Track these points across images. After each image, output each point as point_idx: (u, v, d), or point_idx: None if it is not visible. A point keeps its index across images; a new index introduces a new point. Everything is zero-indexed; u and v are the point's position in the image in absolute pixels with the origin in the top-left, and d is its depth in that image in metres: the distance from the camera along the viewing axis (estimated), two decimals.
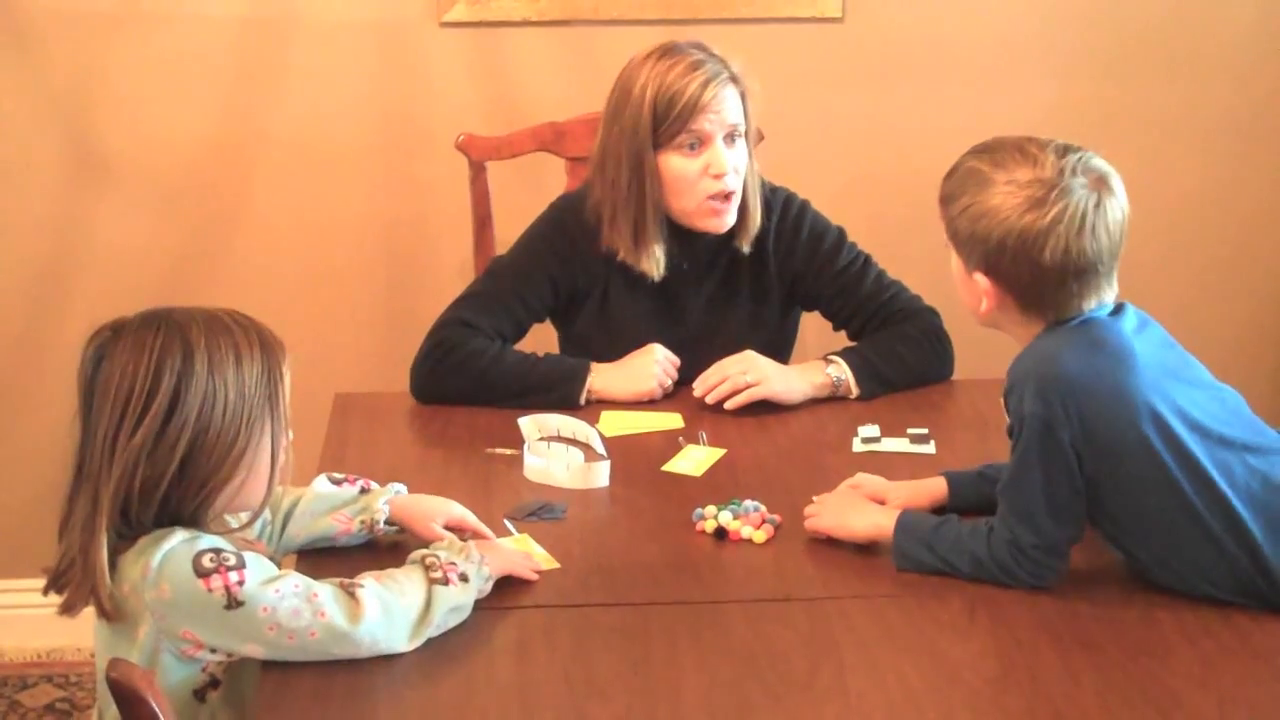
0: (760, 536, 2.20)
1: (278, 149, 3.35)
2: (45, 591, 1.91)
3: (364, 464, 2.38)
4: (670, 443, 2.54)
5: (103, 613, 1.87)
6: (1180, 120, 3.47)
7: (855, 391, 2.69)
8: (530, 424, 2.53)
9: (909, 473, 2.33)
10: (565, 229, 2.76)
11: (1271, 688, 1.86)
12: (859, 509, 2.20)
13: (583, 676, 1.86)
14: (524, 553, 2.15)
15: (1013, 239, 1.99)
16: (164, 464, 1.85)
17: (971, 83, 3.41)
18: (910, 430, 2.55)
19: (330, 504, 2.16)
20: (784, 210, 2.79)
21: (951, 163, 2.12)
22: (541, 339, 2.83)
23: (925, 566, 2.09)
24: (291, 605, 1.84)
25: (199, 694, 1.91)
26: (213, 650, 1.87)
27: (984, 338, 2.18)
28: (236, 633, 1.84)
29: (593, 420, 2.57)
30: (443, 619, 1.93)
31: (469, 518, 2.17)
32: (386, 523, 2.15)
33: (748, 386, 2.63)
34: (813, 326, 2.96)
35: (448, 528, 2.13)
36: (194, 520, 1.90)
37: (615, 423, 2.60)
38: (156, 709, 1.62)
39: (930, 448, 2.50)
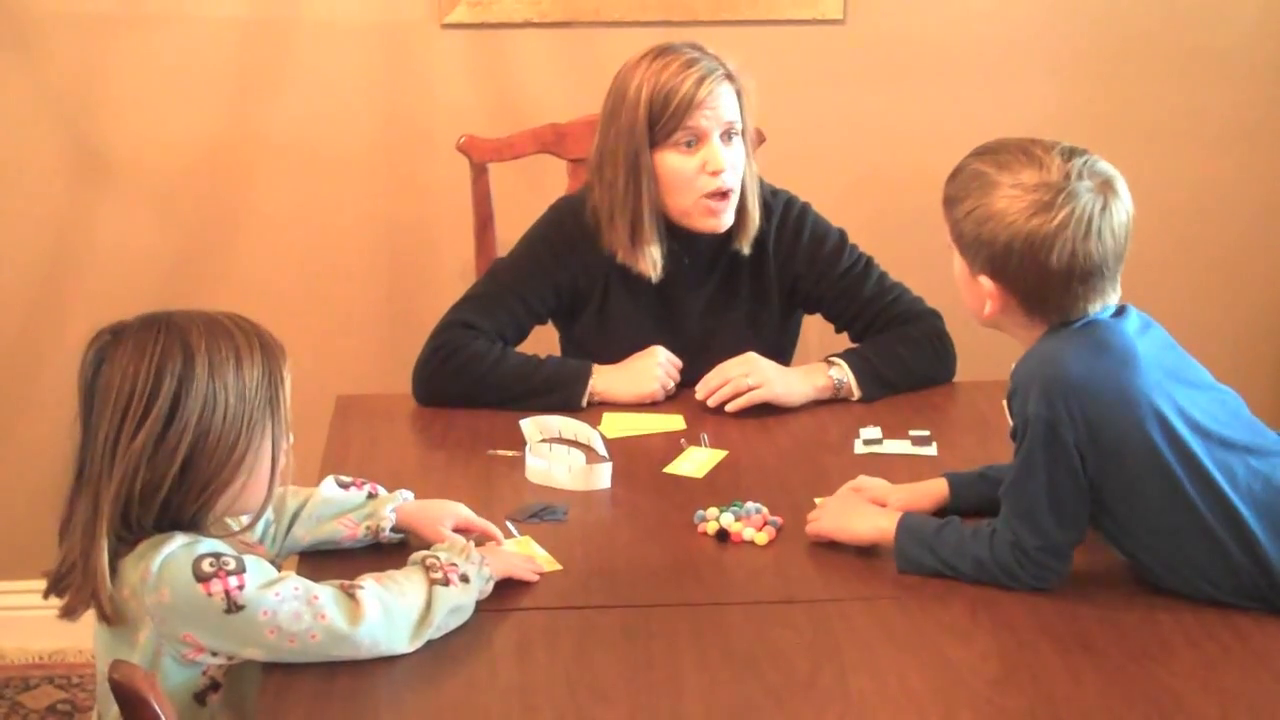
0: (762, 538, 2.20)
1: (279, 151, 3.35)
2: (46, 595, 1.91)
3: (366, 466, 2.38)
4: (672, 444, 2.54)
5: (103, 616, 1.87)
6: (1181, 121, 3.47)
7: (857, 393, 2.69)
8: (532, 426, 2.53)
9: (911, 474, 2.33)
10: (566, 231, 2.76)
11: (1273, 689, 1.85)
12: (860, 512, 2.20)
13: (584, 678, 1.86)
14: (525, 555, 2.15)
15: (1019, 243, 1.99)
16: (164, 468, 1.84)
17: (973, 85, 3.41)
18: (912, 432, 2.55)
19: (337, 509, 2.16)
20: (785, 213, 2.79)
21: (953, 164, 2.11)
22: (543, 341, 2.83)
23: (927, 569, 2.09)
24: (292, 608, 1.84)
25: (199, 697, 1.91)
26: (213, 654, 1.87)
27: (986, 340, 2.18)
28: (237, 636, 1.84)
29: (594, 422, 2.57)
30: (443, 620, 1.93)
31: (476, 520, 2.17)
32: (392, 530, 2.15)
33: (749, 389, 2.63)
34: (814, 328, 2.97)
35: (456, 530, 2.13)
36: (194, 523, 1.90)
37: (617, 424, 2.60)
38: (159, 710, 1.62)
39: (932, 449, 2.50)
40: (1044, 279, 2.00)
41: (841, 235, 2.81)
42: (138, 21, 3.26)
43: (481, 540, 2.14)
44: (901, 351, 2.73)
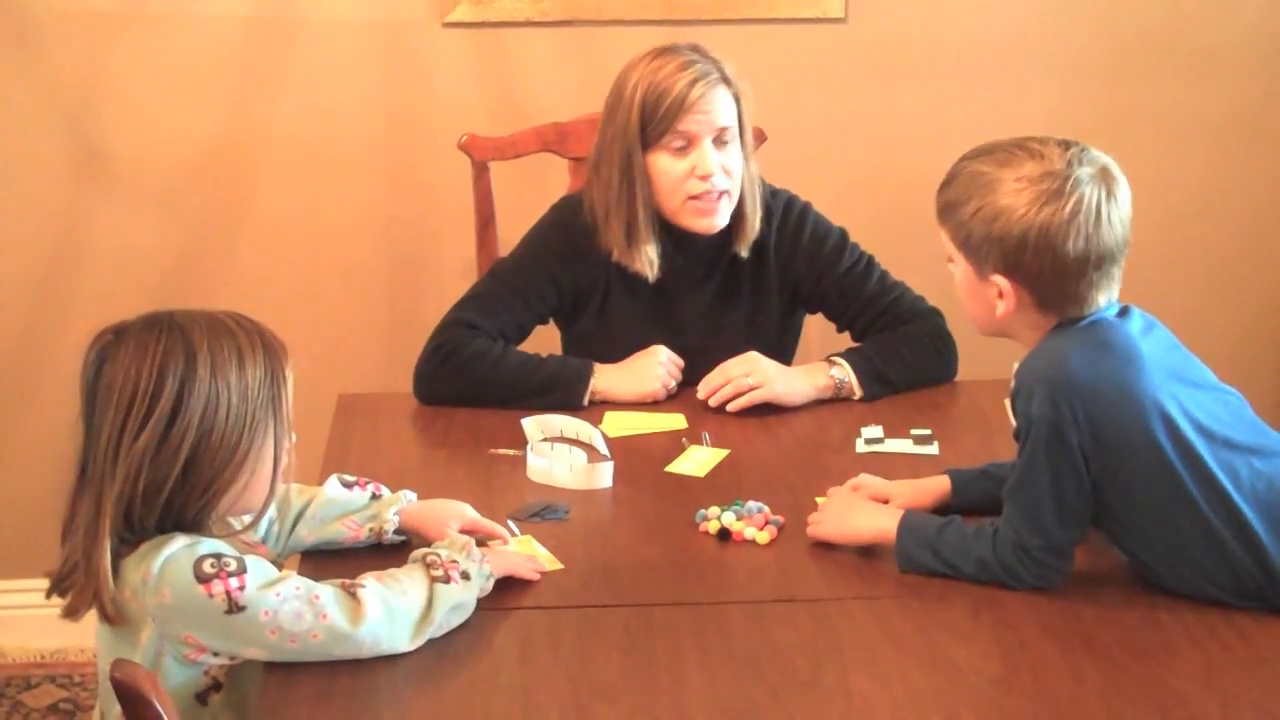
0: (763, 537, 2.20)
1: (281, 149, 3.35)
2: (48, 595, 1.91)
3: (367, 465, 2.38)
4: (673, 443, 2.54)
5: (105, 617, 1.87)
6: (1182, 120, 3.47)
7: (858, 393, 2.69)
8: (533, 425, 2.53)
9: (912, 473, 2.33)
10: (567, 230, 2.76)
11: (1275, 689, 1.85)
12: (860, 511, 2.20)
13: (586, 677, 1.86)
14: (527, 554, 2.15)
15: (1034, 233, 1.98)
16: (167, 468, 1.84)
17: (974, 83, 3.41)
18: (914, 431, 2.55)
19: (341, 509, 2.16)
20: (785, 212, 2.79)
21: (953, 163, 2.11)
22: (545, 340, 2.83)
23: (928, 568, 2.08)
24: (293, 608, 1.84)
25: (201, 697, 1.91)
26: (215, 654, 1.87)
27: (988, 339, 2.17)
28: (238, 637, 1.84)
29: (596, 421, 2.57)
30: (445, 617, 1.93)
31: (482, 521, 2.17)
32: (396, 532, 2.15)
33: (750, 389, 2.63)
34: (816, 327, 2.97)
35: (462, 532, 2.12)
36: (197, 523, 1.90)
37: (618, 423, 2.60)
38: (161, 709, 1.62)
39: (934, 448, 2.50)
40: (1060, 268, 1.99)
41: (842, 234, 2.81)
42: (139, 21, 3.26)
43: (485, 540, 2.14)
44: (903, 351, 2.73)
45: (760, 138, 2.86)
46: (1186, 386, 2.01)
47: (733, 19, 3.32)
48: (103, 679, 1.88)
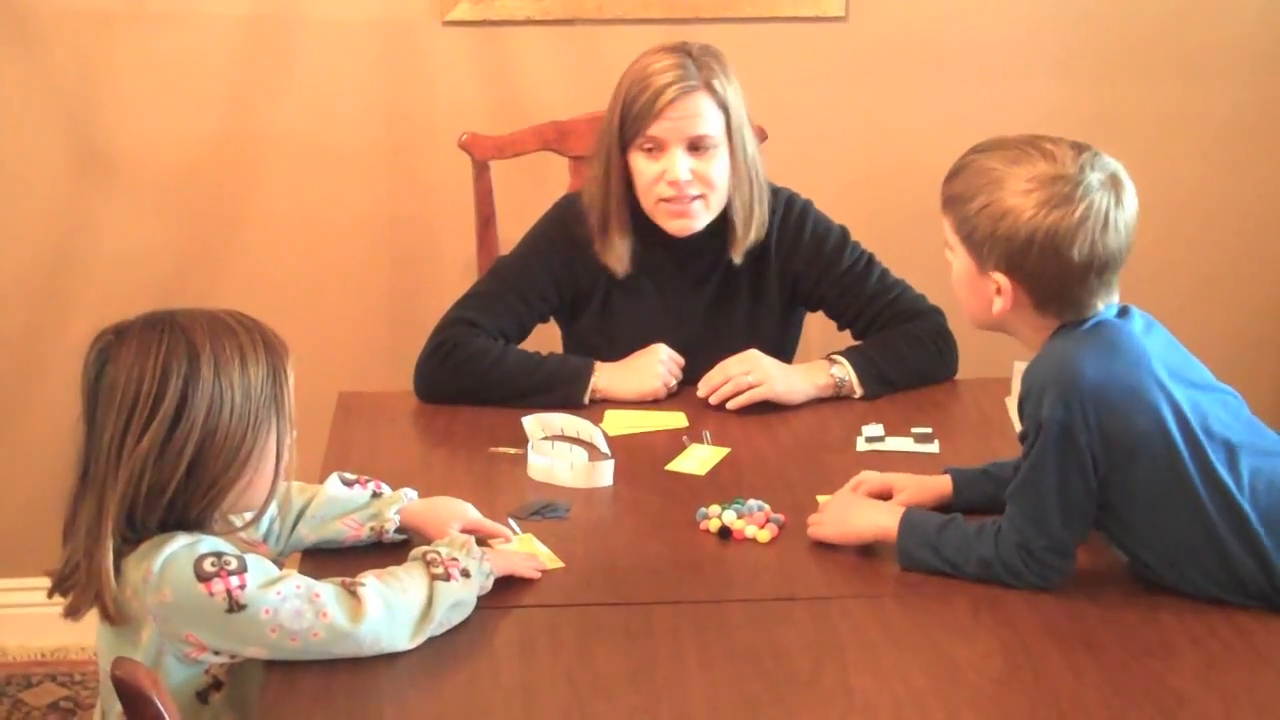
0: (764, 536, 2.20)
1: (281, 148, 3.35)
2: (50, 595, 1.91)
3: (368, 463, 2.38)
4: (674, 442, 2.54)
5: (107, 617, 1.86)
6: (1183, 120, 3.47)
7: (859, 391, 2.69)
8: (534, 423, 2.53)
9: (912, 472, 2.33)
10: (568, 228, 2.76)
11: (1276, 687, 1.85)
12: (861, 509, 2.20)
13: (586, 676, 1.87)
14: (527, 552, 2.15)
15: (1040, 236, 1.97)
16: (171, 468, 1.84)
17: (974, 82, 3.41)
18: (914, 429, 2.55)
19: (342, 508, 2.16)
20: (786, 211, 2.79)
21: (954, 161, 2.11)
22: (546, 339, 2.83)
23: (930, 567, 2.08)
24: (293, 607, 1.84)
25: (202, 695, 1.91)
26: (215, 653, 1.87)
27: (988, 337, 2.17)
28: (239, 636, 1.84)
29: (597, 419, 2.57)
30: (445, 615, 1.93)
31: (485, 522, 2.17)
32: (396, 531, 2.15)
33: (750, 387, 2.63)
34: (816, 326, 2.96)
35: (463, 532, 2.12)
36: (199, 522, 1.90)
37: (619, 422, 2.60)
38: (161, 708, 1.62)
39: (934, 447, 2.50)
40: (1063, 272, 1.99)
41: (843, 233, 2.81)
42: (140, 19, 3.26)
43: (486, 539, 2.14)
44: (903, 349, 2.73)
45: (760, 136, 2.85)
46: (1187, 387, 2.01)
47: (733, 18, 3.32)
48: (103, 678, 1.88)
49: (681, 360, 2.72)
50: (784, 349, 2.82)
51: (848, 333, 2.84)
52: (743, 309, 2.79)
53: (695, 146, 2.62)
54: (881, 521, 2.14)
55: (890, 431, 2.54)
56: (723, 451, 2.50)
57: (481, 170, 3.08)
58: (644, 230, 2.72)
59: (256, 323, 1.93)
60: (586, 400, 2.66)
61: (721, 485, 2.37)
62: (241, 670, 1.93)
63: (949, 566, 2.07)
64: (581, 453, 2.44)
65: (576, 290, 2.78)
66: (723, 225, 2.71)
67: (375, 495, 2.19)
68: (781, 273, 2.79)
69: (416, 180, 3.39)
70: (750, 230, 2.71)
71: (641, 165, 2.65)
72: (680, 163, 2.61)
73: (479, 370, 2.66)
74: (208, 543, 1.87)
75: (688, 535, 2.23)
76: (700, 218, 2.67)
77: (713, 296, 2.79)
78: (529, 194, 3.02)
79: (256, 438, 1.88)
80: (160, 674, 1.82)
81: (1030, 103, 3.40)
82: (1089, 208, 1.97)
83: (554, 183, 3.07)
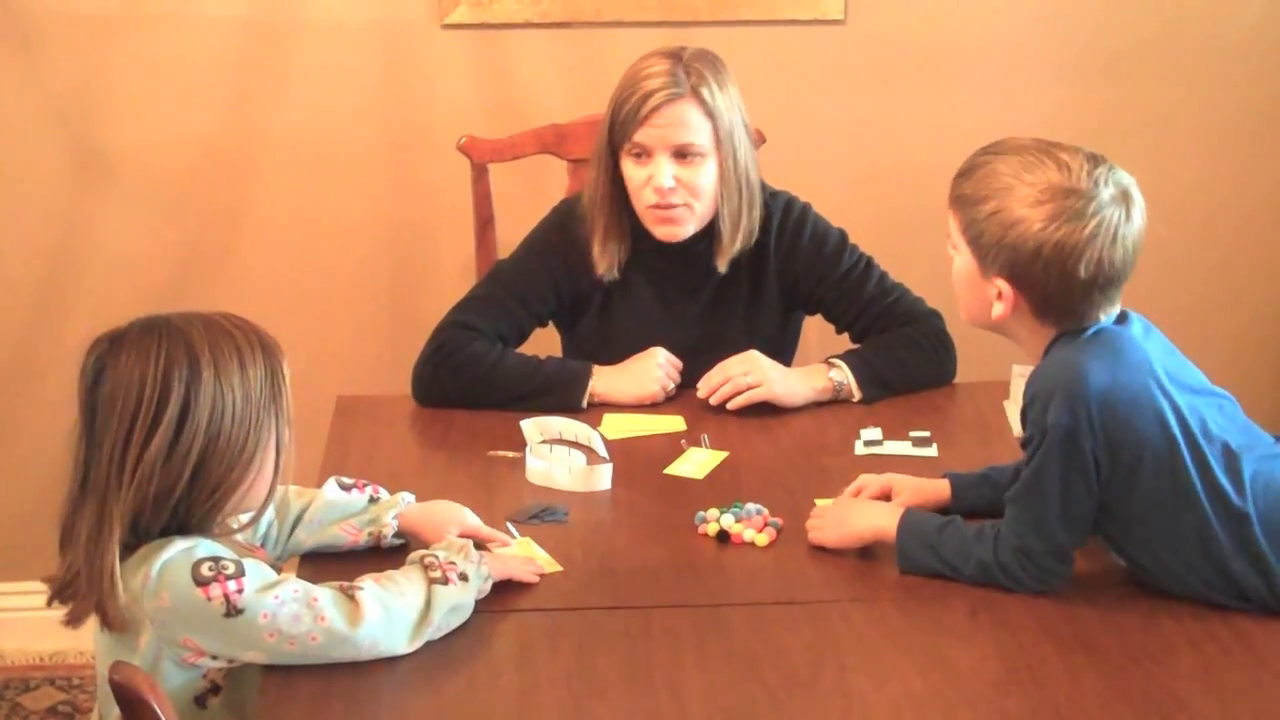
0: (762, 539, 2.20)
1: (280, 151, 3.35)
2: (49, 603, 1.91)
3: (366, 467, 2.38)
4: (672, 445, 2.53)
5: (107, 623, 1.86)
6: (1183, 122, 3.47)
7: (857, 395, 2.68)
8: (532, 426, 2.53)
9: (911, 476, 2.33)
10: (567, 232, 2.76)
11: (1274, 691, 1.85)
12: (859, 511, 2.20)
13: (585, 679, 1.86)
14: (526, 556, 2.15)
15: (1049, 249, 1.96)
16: (177, 473, 1.84)
17: (974, 85, 3.41)
18: (912, 433, 2.55)
19: (340, 513, 2.16)
20: (785, 214, 2.78)
21: (955, 164, 2.09)
22: (545, 342, 2.83)
23: (928, 569, 2.08)
24: (291, 611, 1.84)
25: (200, 700, 1.91)
26: (213, 657, 1.87)
27: (987, 341, 2.17)
28: (237, 640, 1.84)
29: (595, 423, 2.57)
30: (443, 619, 1.92)
31: (483, 527, 2.17)
32: (394, 535, 2.15)
33: (749, 387, 2.63)
34: (815, 329, 2.96)
35: (461, 537, 2.12)
36: (200, 526, 1.90)
37: (617, 425, 2.60)
38: (160, 712, 1.62)
39: (932, 450, 2.50)
40: (1067, 286, 1.98)
41: (842, 236, 2.81)
42: (138, 21, 3.26)
43: (484, 544, 2.14)
44: (902, 353, 2.73)
45: (759, 139, 2.85)
46: (1184, 391, 2.01)
47: (731, 20, 3.32)
48: (101, 682, 1.88)
49: (679, 364, 2.72)
50: (783, 352, 2.82)
51: (846, 336, 2.84)
52: (741, 312, 2.79)
53: (681, 154, 2.62)
54: (880, 522, 2.14)
55: (889, 435, 2.54)
56: (721, 455, 2.50)
57: (480, 173, 3.08)
58: (641, 233, 2.72)
59: (250, 324, 1.93)
60: (585, 404, 2.66)
61: (720, 489, 2.37)
62: (239, 675, 1.93)
63: (947, 568, 2.07)
64: (580, 456, 2.44)
65: (575, 294, 2.78)
66: (720, 230, 2.71)
67: (373, 499, 2.19)
68: (780, 276, 2.79)
69: (415, 183, 3.39)
70: (738, 240, 2.70)
71: (631, 170, 2.65)
72: (665, 170, 2.61)
73: (477, 374, 2.66)
74: (205, 547, 1.86)
75: (686, 539, 2.22)
76: (687, 225, 2.67)
77: (711, 300, 2.79)
78: (528, 197, 3.01)
79: (258, 438, 1.88)
80: (158, 678, 1.82)
81: (1029, 106, 3.41)
82: (1099, 224, 1.96)
83: (553, 186, 3.07)
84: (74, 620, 1.88)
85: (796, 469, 2.46)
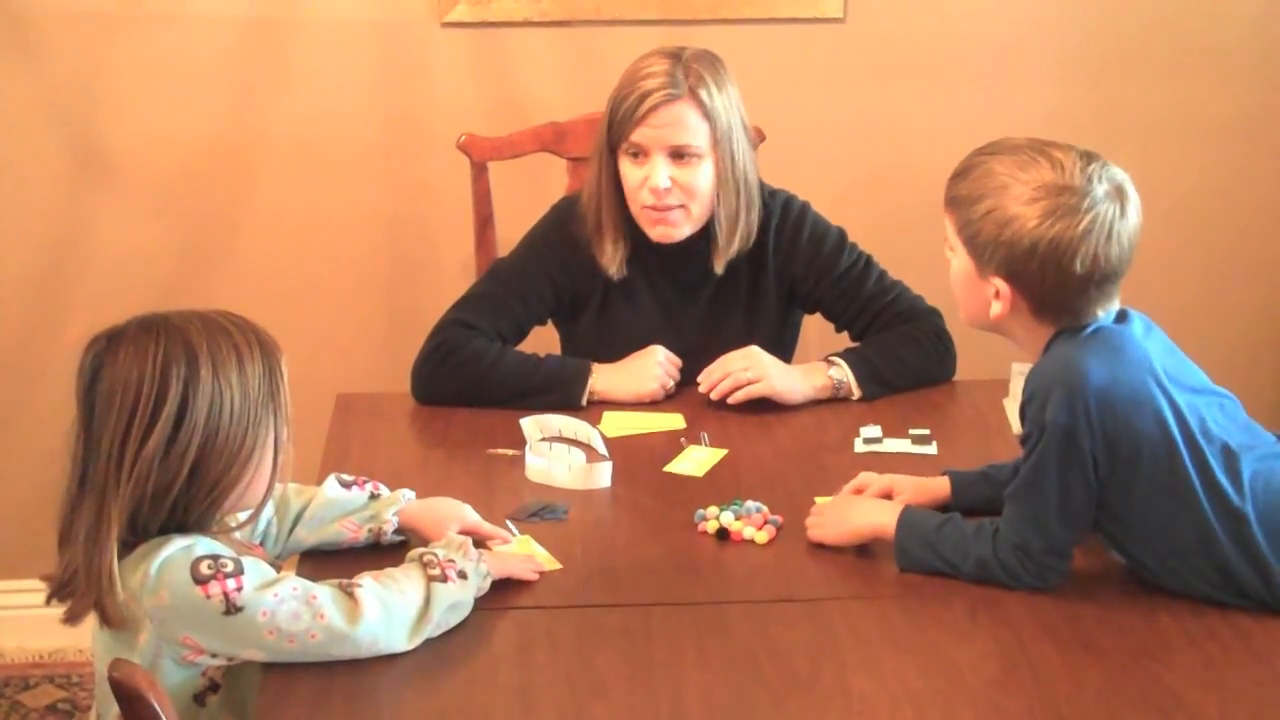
0: (762, 537, 2.20)
1: (279, 149, 3.35)
2: (48, 601, 1.90)
3: (366, 465, 2.38)
4: (672, 443, 2.54)
5: (107, 622, 1.86)
6: (1181, 121, 3.47)
7: (857, 393, 2.68)
8: (532, 424, 2.53)
9: (910, 473, 2.32)
10: (566, 230, 2.76)
11: (1273, 689, 1.85)
12: (858, 508, 2.20)
13: (585, 677, 1.86)
14: (525, 554, 2.15)
15: (1044, 246, 1.97)
16: (175, 471, 1.84)
17: (973, 83, 3.41)
18: (912, 431, 2.55)
19: (340, 510, 2.16)
20: (784, 213, 2.78)
21: (954, 163, 2.10)
22: (545, 341, 2.83)
23: (927, 566, 2.08)
24: (290, 609, 1.84)
25: (199, 698, 1.91)
26: (213, 655, 1.87)
27: (986, 338, 2.17)
28: (236, 638, 1.84)
29: (594, 421, 2.57)
30: (442, 616, 1.92)
31: (483, 524, 2.17)
32: (394, 532, 2.15)
33: (750, 383, 2.63)
34: (815, 327, 2.96)
35: (462, 534, 2.12)
36: (199, 524, 1.90)
37: (617, 423, 2.60)
38: (158, 709, 1.62)
39: (932, 448, 2.50)
40: (1063, 283, 1.98)
41: (841, 235, 2.81)
42: (138, 20, 3.26)
43: (483, 541, 2.14)
44: (901, 351, 2.73)
45: (758, 138, 2.85)
46: (1184, 390, 2.01)
47: (731, 19, 3.32)
48: (100, 680, 1.88)
49: (679, 362, 2.72)
50: (782, 351, 2.82)
51: (846, 335, 2.84)
52: (740, 311, 2.79)
53: (677, 155, 2.61)
54: (879, 519, 2.14)
55: (888, 433, 2.54)
56: (721, 453, 2.50)
57: (480, 171, 3.08)
58: (640, 232, 2.72)
59: (247, 321, 1.93)
60: (584, 402, 2.66)
61: (720, 487, 2.37)
62: (238, 673, 1.93)
63: (946, 566, 2.07)
64: (579, 454, 2.44)
65: (574, 292, 2.78)
66: (716, 231, 2.71)
67: (373, 496, 2.19)
68: (779, 274, 2.78)
69: (415, 181, 3.39)
70: (734, 241, 2.70)
71: (627, 170, 2.65)
72: (661, 171, 2.61)
73: (476, 372, 2.66)
74: (204, 545, 1.86)
75: (686, 537, 2.22)
76: (682, 226, 2.67)
77: (710, 298, 2.79)
78: (527, 195, 3.02)
79: (257, 436, 1.88)
80: (157, 676, 1.81)
81: (1028, 104, 3.41)
82: (1094, 220, 1.96)
83: (552, 184, 3.07)
84: (73, 618, 1.88)
85: (796, 467, 2.46)
